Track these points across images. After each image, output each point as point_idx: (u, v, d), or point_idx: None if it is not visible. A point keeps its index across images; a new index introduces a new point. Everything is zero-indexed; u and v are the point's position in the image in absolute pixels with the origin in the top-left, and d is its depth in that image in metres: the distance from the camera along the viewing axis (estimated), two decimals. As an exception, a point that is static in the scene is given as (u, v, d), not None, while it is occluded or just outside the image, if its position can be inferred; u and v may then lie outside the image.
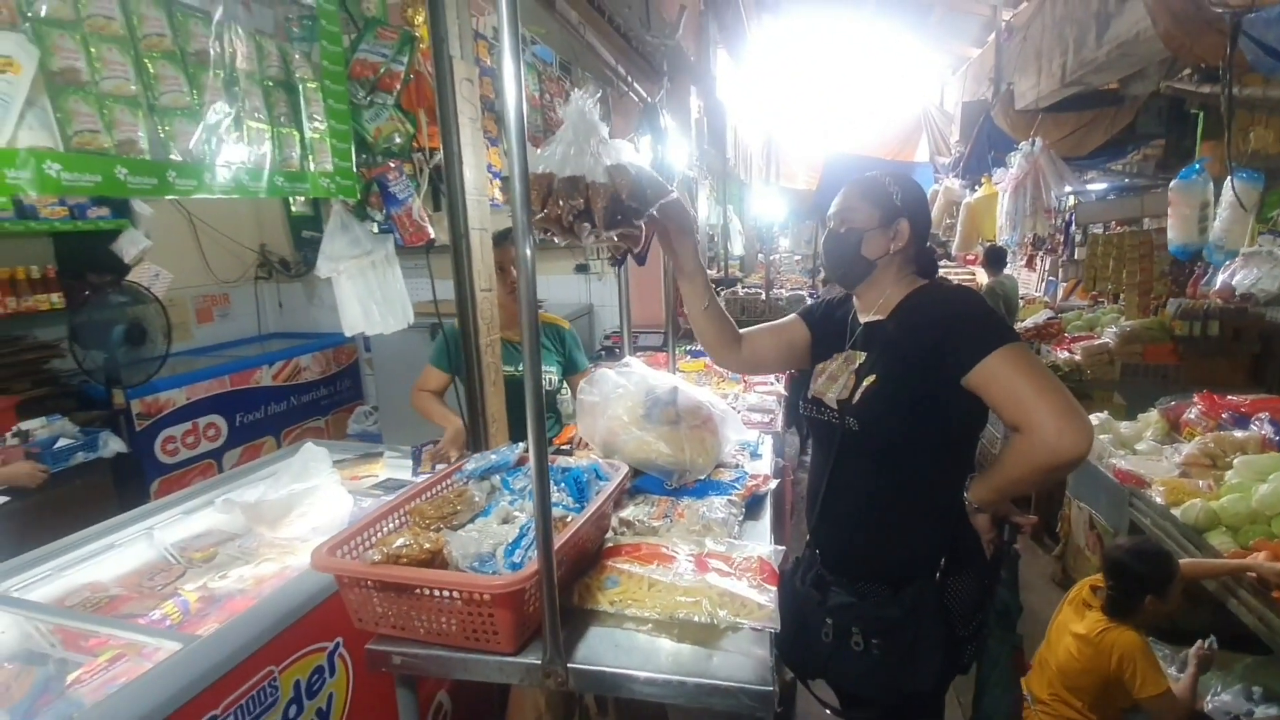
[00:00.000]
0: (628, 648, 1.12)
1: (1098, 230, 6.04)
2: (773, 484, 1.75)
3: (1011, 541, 1.45)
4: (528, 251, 0.95)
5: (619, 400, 1.84)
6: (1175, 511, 2.45)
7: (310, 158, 1.47)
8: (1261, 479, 2.29)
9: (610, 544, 1.38)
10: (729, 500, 1.58)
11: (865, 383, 1.37)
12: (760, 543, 1.43)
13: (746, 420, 2.28)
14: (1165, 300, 4.88)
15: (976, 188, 6.78)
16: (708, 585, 1.19)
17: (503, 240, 2.38)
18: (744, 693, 1.01)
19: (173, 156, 1.19)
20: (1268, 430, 2.59)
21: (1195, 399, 3.18)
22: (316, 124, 1.47)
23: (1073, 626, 2.08)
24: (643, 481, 1.73)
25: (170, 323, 3.44)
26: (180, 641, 1.27)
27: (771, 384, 2.84)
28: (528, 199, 0.94)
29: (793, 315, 1.66)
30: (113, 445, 3.11)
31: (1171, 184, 3.12)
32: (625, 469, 1.51)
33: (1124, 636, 1.95)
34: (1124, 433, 3.35)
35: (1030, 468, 1.23)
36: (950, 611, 1.38)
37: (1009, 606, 1.44)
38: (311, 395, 4.87)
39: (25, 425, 2.90)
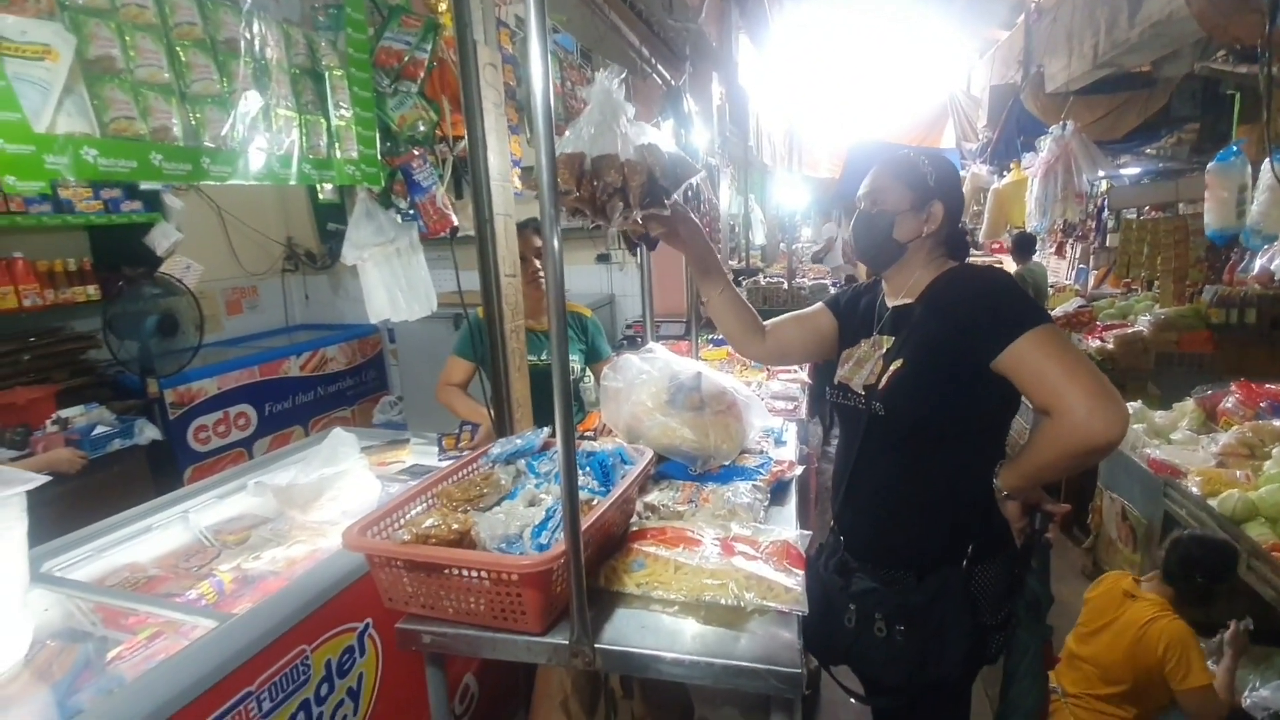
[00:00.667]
0: (654, 629, 1.12)
1: (1131, 216, 5.89)
2: (798, 470, 1.74)
3: (1043, 530, 1.40)
4: (555, 242, 0.95)
5: (643, 386, 1.84)
6: (1212, 502, 2.40)
7: (336, 145, 1.48)
8: (1303, 469, 2.22)
9: (636, 528, 1.38)
10: (754, 485, 1.58)
11: (892, 368, 1.34)
12: (786, 527, 1.42)
13: (770, 407, 2.27)
14: (1201, 287, 4.75)
15: (1004, 174, 6.64)
16: (734, 568, 1.19)
17: (524, 229, 2.39)
18: (773, 674, 1.01)
19: (205, 143, 1.21)
20: (1309, 419, 2.51)
21: (1233, 388, 3.09)
22: (342, 111, 1.48)
23: (1114, 615, 2.04)
24: (667, 467, 1.72)
25: (203, 314, 3.51)
26: (216, 620, 1.30)
27: (795, 371, 2.81)
28: (555, 183, 0.93)
29: (818, 304, 1.64)
30: (148, 433, 3.19)
31: (1209, 166, 3.03)
32: (650, 453, 1.51)
33: (1173, 625, 1.91)
34: (1159, 422, 3.27)
35: (1060, 452, 1.19)
36: (977, 600, 1.35)
37: (1039, 597, 1.40)
38: (338, 385, 4.95)
39: (64, 413, 2.98)
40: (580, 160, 1.14)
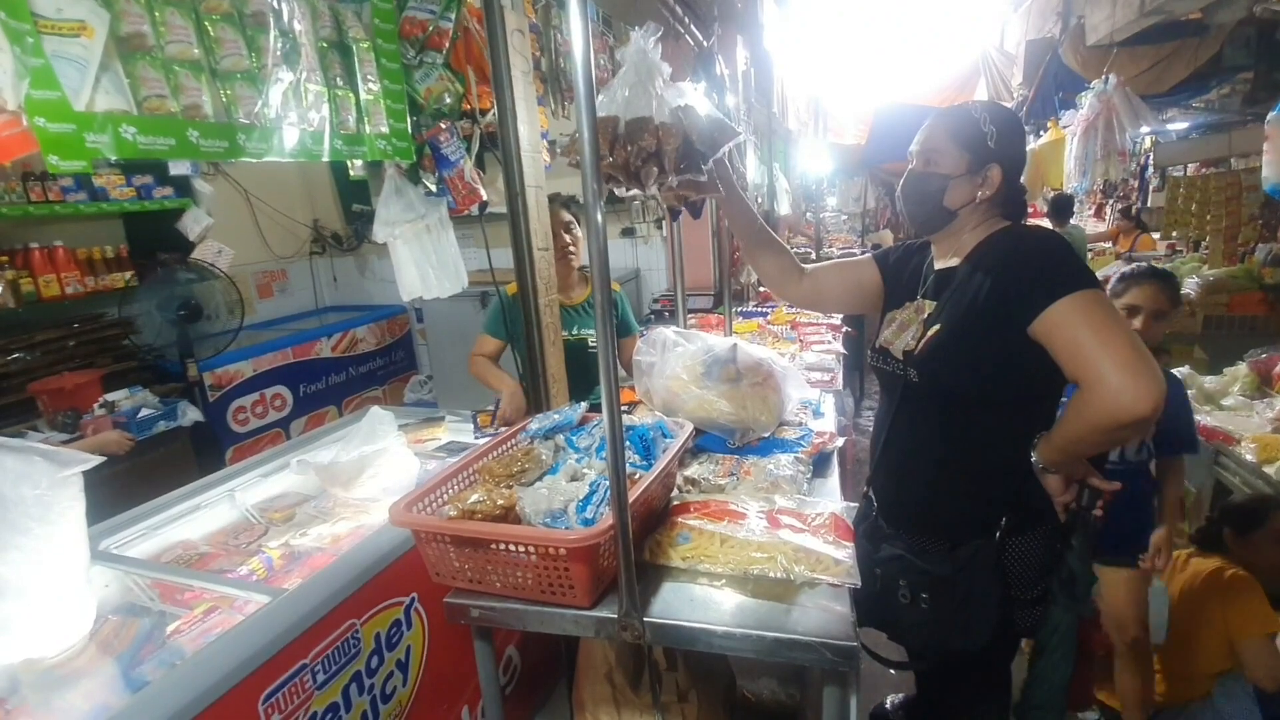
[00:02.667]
0: (703, 602, 1.11)
1: (1178, 173, 5.64)
2: (839, 442, 1.71)
3: (1090, 507, 1.32)
4: (599, 216, 0.91)
5: (677, 359, 1.82)
6: (1269, 469, 2.31)
7: (366, 120, 1.46)
8: (1370, 432, 2.12)
9: (677, 502, 1.37)
10: (796, 458, 1.55)
11: (930, 333, 1.29)
12: (831, 500, 1.40)
13: (806, 379, 2.23)
14: (1254, 246, 4.54)
15: (1041, 133, 6.39)
16: (781, 541, 1.17)
17: (550, 204, 2.36)
18: (827, 647, 0.99)
19: (239, 120, 1.20)
20: (1376, 382, 2.39)
21: (1290, 349, 2.97)
22: (370, 85, 1.46)
23: (1178, 576, 2.01)
24: (705, 440, 1.71)
25: (241, 296, 3.56)
26: (269, 595, 1.33)
27: (829, 343, 2.76)
28: (597, 151, 0.90)
29: (866, 255, 1.59)
30: (190, 415, 3.26)
31: (1269, 116, 2.87)
32: (690, 427, 1.49)
33: (1240, 575, 1.88)
34: (1209, 387, 3.16)
35: (1088, 426, 1.11)
36: (1010, 572, 1.31)
37: (1076, 575, 1.35)
38: (369, 366, 5.01)
39: (110, 397, 3.06)
40: (614, 124, 1.10)
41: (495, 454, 1.42)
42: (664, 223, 4.80)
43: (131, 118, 1.04)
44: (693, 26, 2.11)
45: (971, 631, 1.30)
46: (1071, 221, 6.23)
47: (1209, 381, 3.19)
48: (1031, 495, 1.29)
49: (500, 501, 1.15)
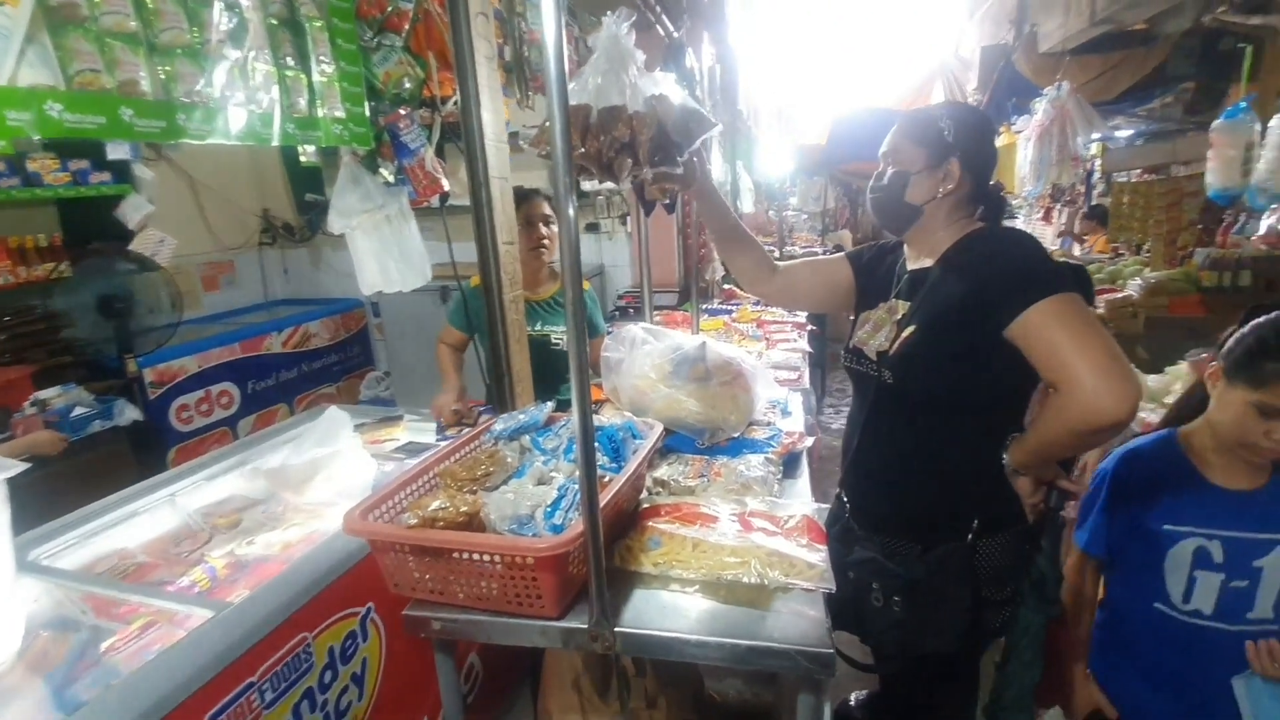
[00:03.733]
0: (674, 610, 1.08)
1: (1122, 179, 5.85)
2: (808, 442, 1.70)
3: (1058, 508, 1.35)
4: (571, 211, 0.86)
5: (646, 357, 1.78)
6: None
7: (320, 103, 1.38)
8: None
9: (647, 504, 1.34)
10: (766, 458, 1.54)
11: (904, 334, 1.29)
12: (803, 501, 1.38)
13: (774, 378, 2.22)
14: (1192, 250, 4.74)
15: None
16: (755, 545, 1.14)
17: (535, 196, 2.30)
18: (802, 655, 0.97)
19: (179, 98, 1.11)
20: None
21: (1227, 350, 3.09)
22: (325, 66, 1.38)
23: None
24: (673, 440, 1.67)
25: (179, 289, 3.38)
26: (212, 609, 1.24)
27: (795, 341, 2.77)
28: (569, 142, 0.85)
29: (839, 255, 1.59)
30: (129, 413, 3.08)
31: (1215, 124, 2.98)
32: (659, 427, 1.45)
33: None
34: (1152, 386, 3.27)
35: (1064, 430, 1.12)
36: (980, 574, 1.32)
37: (1045, 576, 1.36)
38: (322, 362, 4.84)
39: (42, 394, 2.86)
40: (585, 113, 1.05)
41: (458, 456, 1.36)
42: (629, 218, 4.76)
43: (58, 93, 0.95)
44: (664, 16, 2.07)
45: (943, 634, 1.30)
46: (1017, 224, 6.41)
47: (1152, 380, 3.30)
48: (1002, 497, 1.30)
49: (464, 508, 1.10)
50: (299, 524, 1.66)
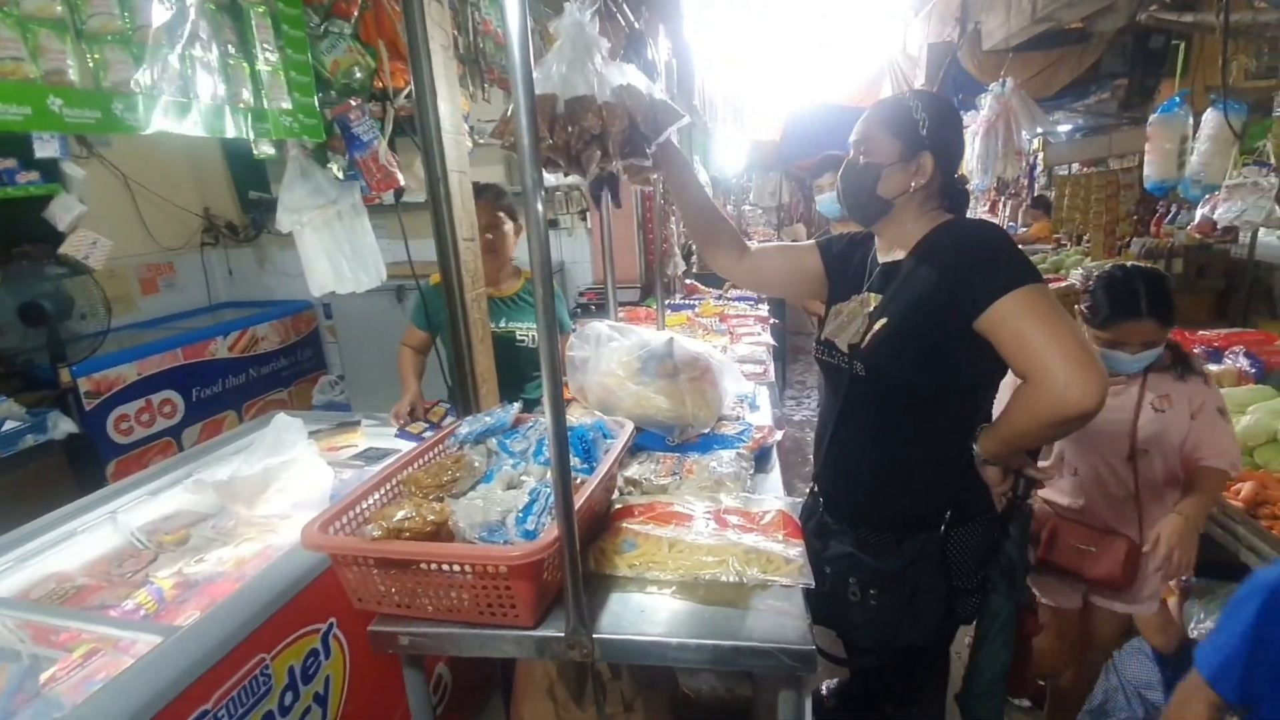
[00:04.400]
0: (653, 612, 1.06)
1: (1063, 172, 6.08)
2: (778, 435, 1.70)
3: (1025, 497, 1.36)
4: (539, 206, 0.82)
5: (612, 354, 1.75)
6: (1154, 445, 2.50)
7: (266, 94, 1.30)
8: (1242, 411, 2.32)
9: (620, 505, 1.31)
10: (738, 454, 1.53)
11: (876, 327, 1.29)
12: (776, 496, 1.38)
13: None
14: (1129, 240, 4.95)
15: (943, 132, 6.71)
16: (731, 543, 1.13)
17: (484, 195, 2.24)
18: (784, 653, 0.96)
19: (109, 88, 1.03)
20: (1244, 363, 2.63)
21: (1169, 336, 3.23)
22: (269, 55, 1.30)
23: None
24: (643, 438, 1.65)
25: (105, 293, 3.18)
26: (160, 634, 1.17)
27: (759, 334, 2.78)
28: (535, 133, 0.81)
29: (809, 242, 1.58)
30: (63, 426, 2.90)
31: (1151, 118, 3.10)
32: (630, 426, 1.42)
33: None
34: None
35: (1034, 420, 1.12)
36: (952, 564, 1.34)
37: (1015, 563, 1.37)
38: (271, 366, 4.65)
39: (-38, 409, 2.67)
40: (552, 103, 1.01)
41: (422, 463, 1.31)
42: (588, 214, 4.71)
43: (-28, 82, 0.87)
44: (624, 5, 2.04)
45: (919, 625, 1.31)
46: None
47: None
48: (972, 487, 1.31)
49: (431, 517, 1.05)
50: (252, 539, 1.58)
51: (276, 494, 1.64)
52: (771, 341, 2.70)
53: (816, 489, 1.52)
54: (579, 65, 1.01)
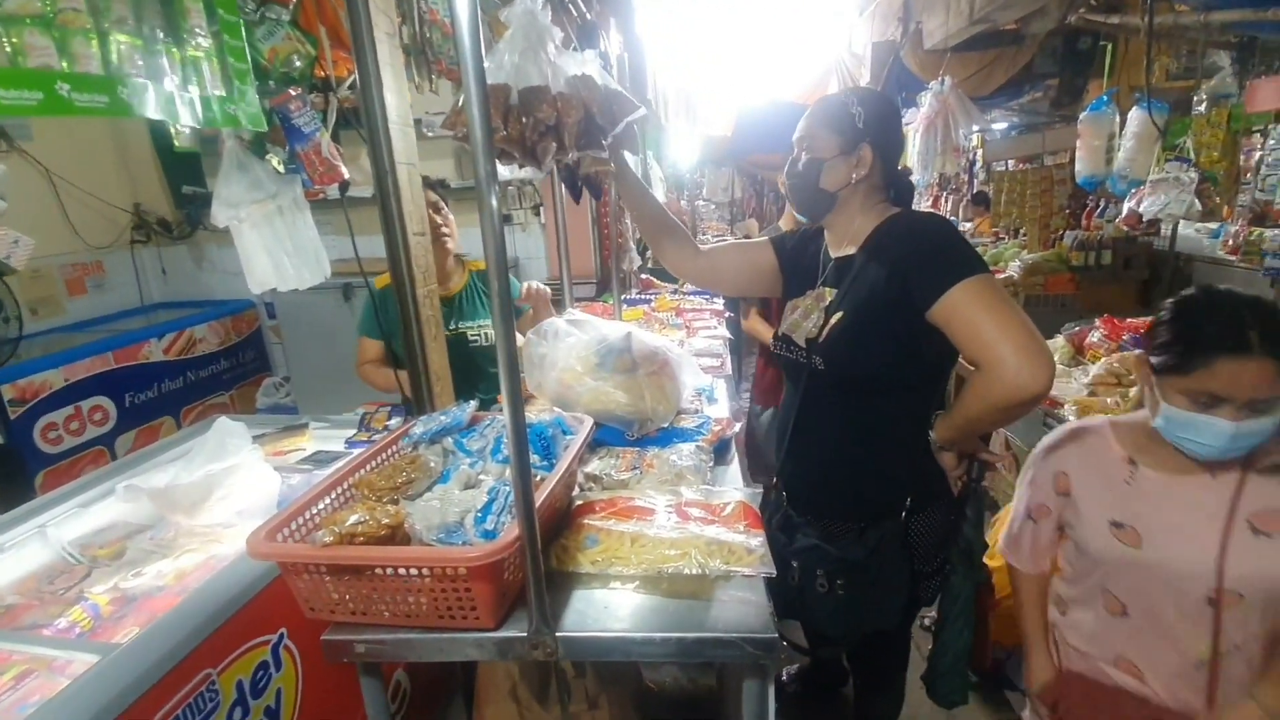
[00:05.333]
0: (616, 608, 1.05)
1: (1000, 168, 6.31)
2: (736, 427, 1.71)
3: (979, 479, 1.42)
4: (494, 201, 0.81)
5: (570, 349, 1.74)
6: (1088, 427, 2.62)
7: (201, 80, 1.23)
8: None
9: (581, 501, 1.30)
10: (697, 446, 1.53)
11: (833, 321, 1.32)
12: (736, 488, 1.39)
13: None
14: (1062, 233, 5.19)
15: (888, 129, 6.89)
16: (693, 535, 1.13)
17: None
18: (747, 641, 0.97)
19: (31, 70, 0.96)
20: (1166, 348, 2.78)
21: (1098, 323, 3.39)
22: (200, 40, 1.23)
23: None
24: (602, 433, 1.64)
25: (17, 296, 2.99)
26: (98, 652, 1.10)
27: (716, 328, 2.80)
28: (488, 125, 0.79)
29: (764, 239, 1.60)
30: (-20, 437, 2.72)
31: (1082, 116, 3.25)
32: (589, 422, 1.42)
33: None
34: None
35: (988, 405, 1.16)
36: (914, 548, 1.38)
37: (972, 544, 1.43)
38: (211, 369, 4.46)
39: None
40: (505, 94, 0.99)
41: (374, 464, 1.27)
42: (542, 209, 4.66)
43: None
44: (575, -5, 2.02)
45: (885, 611, 1.36)
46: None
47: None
48: (930, 473, 1.36)
49: (385, 520, 1.02)
50: (194, 550, 1.51)
51: (219, 502, 1.57)
52: (728, 335, 2.72)
53: (778, 483, 1.54)
54: (532, 55, 0.99)
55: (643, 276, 4.13)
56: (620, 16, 3.93)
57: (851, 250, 1.36)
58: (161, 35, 1.15)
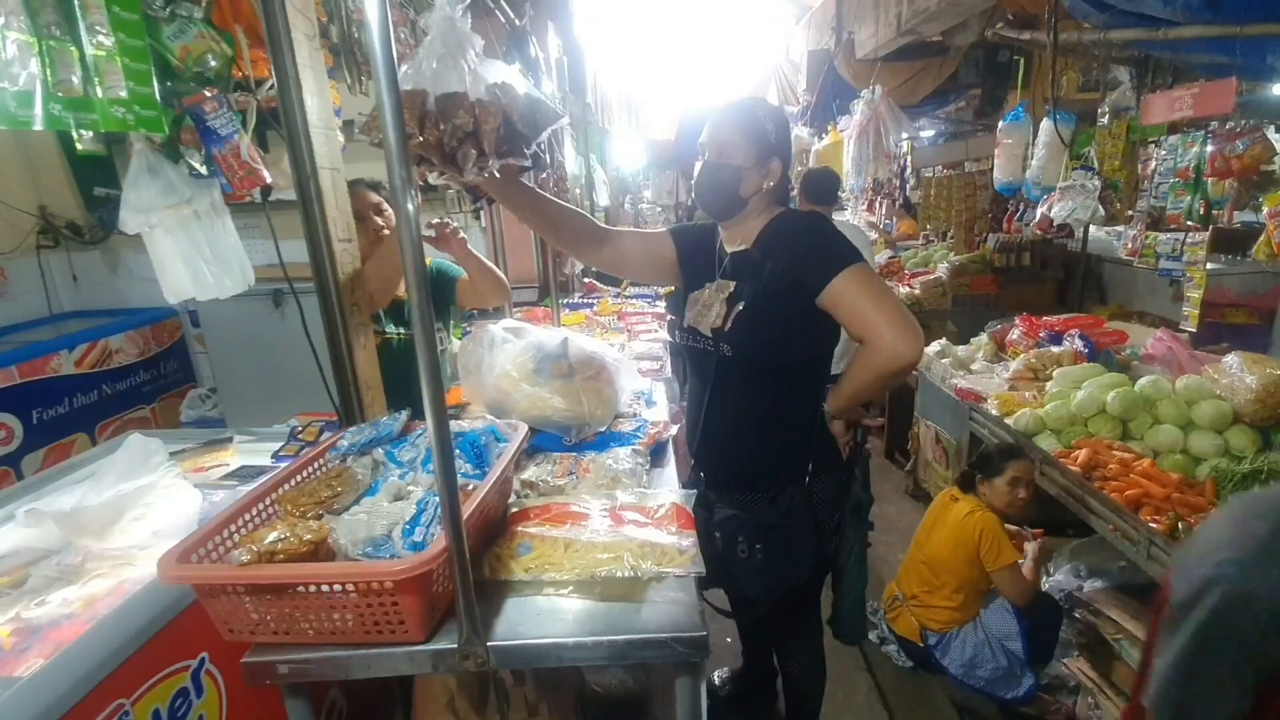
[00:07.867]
0: (550, 614, 1.05)
1: (929, 174, 6.58)
2: (673, 430, 1.73)
3: (863, 443, 1.63)
4: (410, 206, 0.79)
5: (506, 356, 1.73)
6: (1008, 420, 2.77)
7: (97, 81, 1.17)
8: (1077, 387, 2.63)
9: (516, 509, 1.29)
10: (634, 450, 1.55)
11: (736, 310, 1.43)
12: (670, 489, 1.41)
13: (637, 369, 2.25)
14: (985, 236, 5.45)
15: (823, 135, 7.11)
16: (626, 539, 1.15)
17: (354, 187, 2.12)
18: (677, 640, 0.99)
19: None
20: (1078, 344, 2.97)
21: (1017, 321, 3.59)
22: (100, 38, 1.17)
23: (942, 518, 2.37)
24: (540, 440, 1.64)
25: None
26: (-8, 689, 1.03)
27: (656, 331, 2.82)
28: (403, 128, 0.78)
29: (664, 230, 1.69)
30: None
31: (1000, 125, 3.43)
32: (525, 429, 1.41)
33: (985, 516, 2.25)
34: (960, 355, 3.72)
35: (874, 374, 1.37)
36: (817, 511, 1.54)
37: (861, 501, 1.63)
38: (129, 381, 4.21)
39: None
40: (422, 99, 0.98)
41: (299, 478, 1.23)
42: (483, 214, 4.60)
43: None
44: (503, 2, 2.00)
45: (798, 567, 1.51)
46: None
47: (960, 350, 3.76)
48: (826, 442, 1.53)
49: (308, 536, 0.99)
50: (104, 574, 1.42)
51: (132, 523, 1.49)
52: (668, 337, 2.74)
53: (696, 464, 1.65)
54: (451, 61, 0.98)
55: (585, 280, 4.13)
56: (559, 21, 3.91)
57: (745, 246, 1.49)
58: (57, 33, 1.09)
